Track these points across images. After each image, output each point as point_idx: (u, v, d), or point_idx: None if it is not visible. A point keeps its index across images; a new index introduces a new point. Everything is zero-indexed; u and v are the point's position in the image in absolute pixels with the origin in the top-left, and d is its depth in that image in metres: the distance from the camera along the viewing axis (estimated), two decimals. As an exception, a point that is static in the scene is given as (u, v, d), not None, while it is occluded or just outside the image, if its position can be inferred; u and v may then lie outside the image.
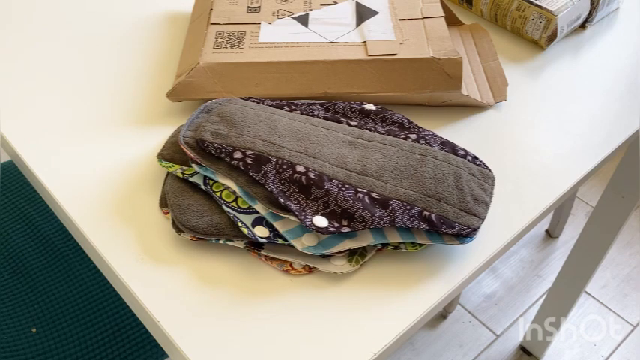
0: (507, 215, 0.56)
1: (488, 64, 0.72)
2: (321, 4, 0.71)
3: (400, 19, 0.68)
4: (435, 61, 0.62)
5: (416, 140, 0.56)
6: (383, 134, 0.57)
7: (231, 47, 0.64)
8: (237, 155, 0.52)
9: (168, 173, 0.55)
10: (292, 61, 0.63)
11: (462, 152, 0.56)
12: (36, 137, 0.62)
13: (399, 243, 0.51)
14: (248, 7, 0.71)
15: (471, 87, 0.69)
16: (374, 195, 0.51)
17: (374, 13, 0.70)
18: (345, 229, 0.49)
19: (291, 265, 0.51)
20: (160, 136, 0.62)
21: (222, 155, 0.52)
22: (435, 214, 0.50)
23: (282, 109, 0.59)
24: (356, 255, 0.51)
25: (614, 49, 0.78)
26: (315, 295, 0.49)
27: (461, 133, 0.65)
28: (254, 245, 0.51)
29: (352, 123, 0.58)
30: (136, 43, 0.75)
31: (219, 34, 0.67)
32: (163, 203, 0.55)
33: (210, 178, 0.53)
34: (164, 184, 0.55)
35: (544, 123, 0.67)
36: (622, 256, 1.58)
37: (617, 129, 0.66)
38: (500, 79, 0.70)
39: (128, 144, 0.61)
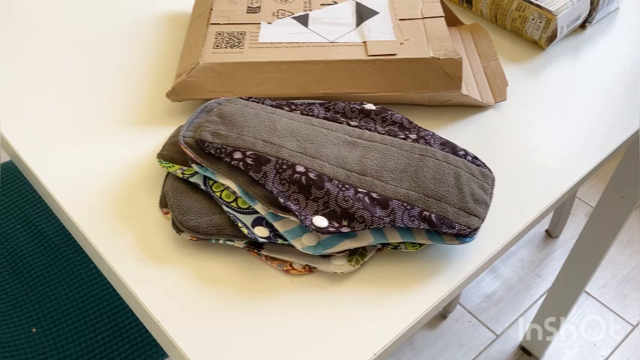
0: (507, 215, 0.56)
1: (489, 64, 0.72)
2: (321, 4, 0.71)
3: (400, 19, 0.68)
4: (435, 61, 0.62)
5: (416, 140, 0.56)
6: (383, 134, 0.57)
7: (231, 47, 0.64)
8: (237, 155, 0.52)
9: (169, 173, 0.55)
10: (292, 61, 0.63)
11: (462, 152, 0.56)
12: (36, 137, 0.62)
13: (399, 243, 0.51)
14: (248, 7, 0.71)
15: (471, 87, 0.69)
16: (374, 195, 0.51)
17: (374, 13, 0.70)
18: (345, 229, 0.48)
19: (291, 265, 0.51)
20: (160, 136, 0.62)
21: (222, 155, 0.52)
22: (435, 214, 0.50)
23: (282, 109, 0.59)
24: (356, 255, 0.51)
25: (614, 50, 0.78)
26: (315, 295, 0.49)
27: (461, 133, 0.65)
28: (254, 245, 0.51)
29: (352, 123, 0.58)
30: (135, 43, 0.75)
31: (219, 34, 0.67)
32: (163, 203, 0.55)
33: (210, 178, 0.53)
34: (164, 184, 0.55)
35: (544, 123, 0.67)
36: (622, 256, 1.58)
37: (617, 129, 0.66)
38: (500, 79, 0.70)
39: (128, 144, 0.61)
